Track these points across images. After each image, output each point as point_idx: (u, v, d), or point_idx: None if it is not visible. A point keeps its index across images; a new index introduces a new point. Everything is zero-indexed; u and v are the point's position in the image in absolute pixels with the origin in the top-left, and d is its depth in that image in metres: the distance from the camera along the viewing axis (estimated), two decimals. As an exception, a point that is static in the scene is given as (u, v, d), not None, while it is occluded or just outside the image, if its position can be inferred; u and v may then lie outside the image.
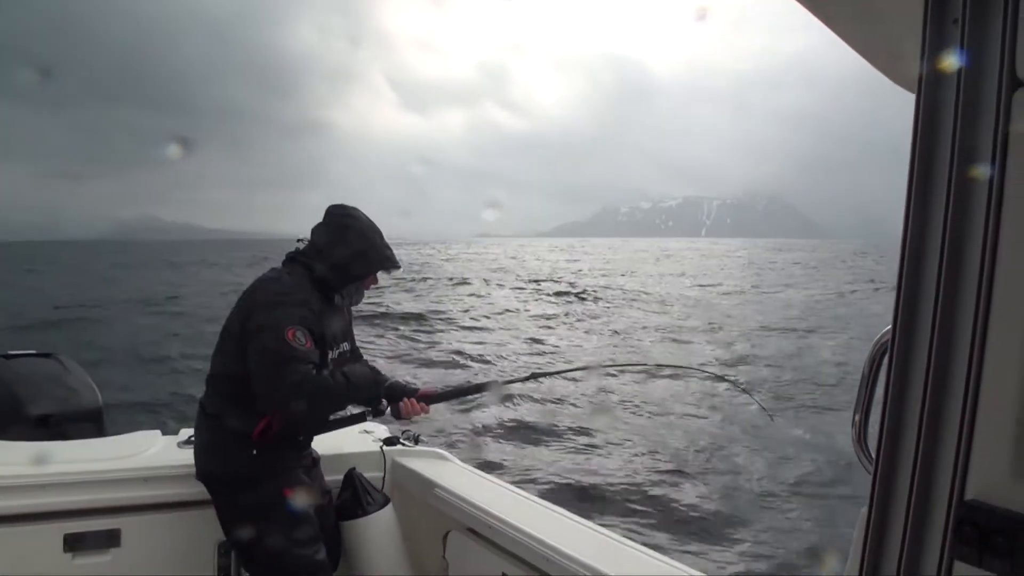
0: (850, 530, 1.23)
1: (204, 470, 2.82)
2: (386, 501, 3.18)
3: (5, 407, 3.38)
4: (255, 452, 2.73)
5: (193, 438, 3.15)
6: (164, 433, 3.36)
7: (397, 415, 2.95)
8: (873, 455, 1.12)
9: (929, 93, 1.03)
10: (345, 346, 2.98)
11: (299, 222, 2.86)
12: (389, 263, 2.89)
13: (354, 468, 3.19)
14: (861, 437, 1.34)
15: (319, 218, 2.93)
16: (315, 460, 3.01)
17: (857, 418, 1.35)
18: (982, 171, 0.98)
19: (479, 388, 3.12)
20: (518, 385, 3.23)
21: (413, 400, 2.92)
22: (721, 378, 3.92)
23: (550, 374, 3.40)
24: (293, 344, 2.57)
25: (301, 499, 2.77)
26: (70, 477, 2.82)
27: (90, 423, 3.53)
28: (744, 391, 3.72)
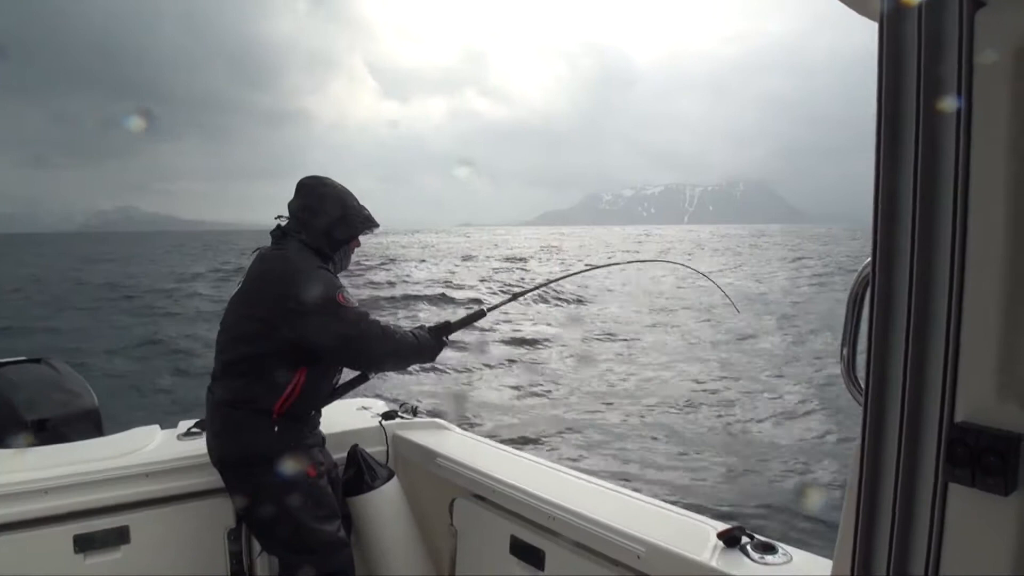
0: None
1: (224, 455, 2.82)
2: (391, 475, 3.21)
3: (2, 416, 3.37)
4: (276, 429, 2.75)
5: (198, 427, 3.21)
6: (162, 427, 3.36)
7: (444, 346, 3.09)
8: (863, 386, 1.13)
9: (892, 20, 1.03)
10: None
11: (278, 212, 2.88)
12: (370, 222, 2.98)
13: (357, 444, 3.22)
14: (850, 369, 1.35)
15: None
16: (323, 439, 3.03)
17: (845, 351, 1.36)
18: (949, 100, 0.97)
19: (474, 316, 3.14)
20: (509, 305, 3.29)
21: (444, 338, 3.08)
22: (683, 265, 3.89)
23: (528, 290, 3.47)
24: (349, 306, 2.73)
25: (318, 475, 2.84)
26: (74, 479, 2.82)
27: (88, 424, 3.52)
28: (707, 277, 3.71)
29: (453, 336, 3.07)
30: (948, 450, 1.01)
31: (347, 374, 3.04)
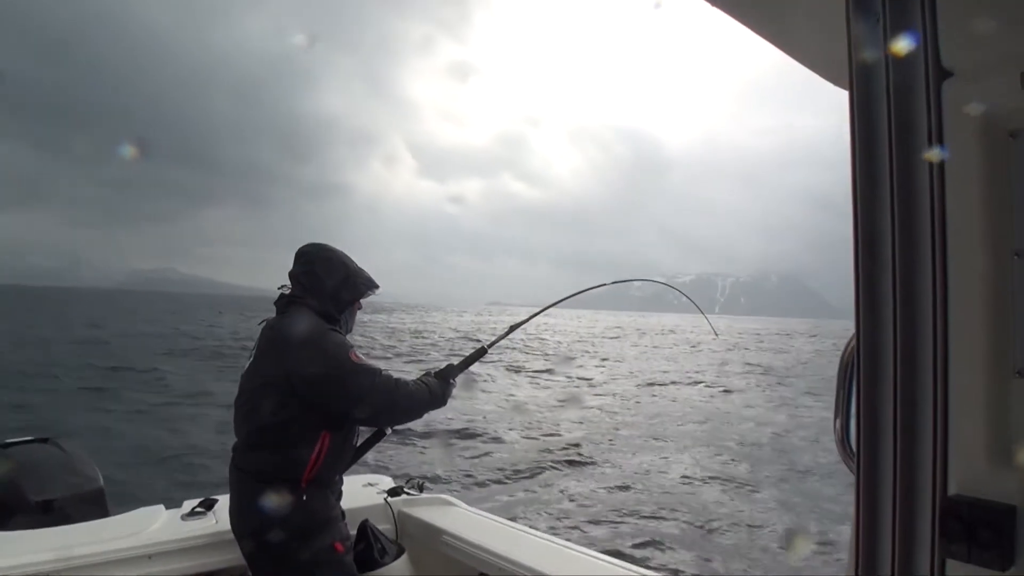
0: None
1: (253, 530, 2.77)
2: (400, 552, 3.14)
3: (7, 497, 3.36)
4: (304, 499, 2.73)
5: (203, 506, 3.22)
6: (167, 507, 3.34)
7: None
8: (855, 456, 1.11)
9: (861, 90, 1.06)
10: None
11: None
12: (371, 284, 3.05)
13: (367, 520, 3.16)
14: (844, 440, 1.33)
15: None
16: (343, 512, 2.99)
17: (838, 423, 1.35)
18: (921, 166, 1.00)
19: (476, 355, 3.17)
20: (505, 340, 3.25)
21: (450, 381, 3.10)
22: (666, 285, 4.07)
23: (524, 321, 3.36)
24: (363, 364, 2.78)
25: (346, 552, 2.84)
26: (78, 561, 2.79)
27: (93, 504, 3.50)
28: (687, 298, 3.78)
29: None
30: (942, 524, 1.00)
31: (364, 432, 3.05)
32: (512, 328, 3.34)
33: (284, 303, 2.94)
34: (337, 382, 2.72)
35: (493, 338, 3.29)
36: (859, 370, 1.08)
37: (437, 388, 2.99)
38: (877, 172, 1.04)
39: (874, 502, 1.07)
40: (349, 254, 3.03)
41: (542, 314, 3.54)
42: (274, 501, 2.71)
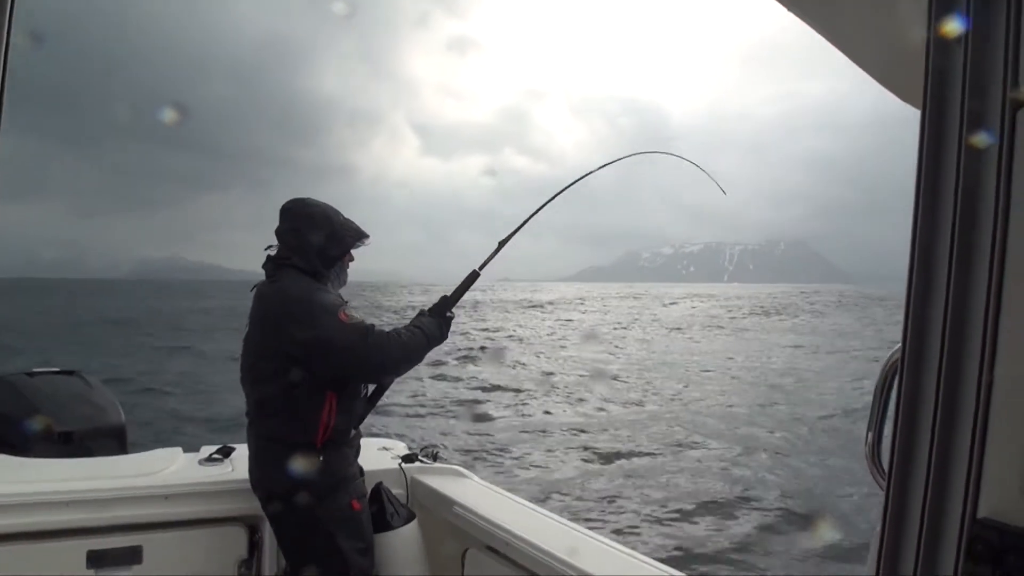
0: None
1: (271, 487, 2.83)
2: (411, 516, 3.18)
3: (30, 424, 3.43)
4: (322, 459, 2.77)
5: (220, 453, 3.29)
6: (185, 451, 3.39)
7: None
8: (886, 472, 1.12)
9: (933, 112, 1.05)
10: None
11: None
12: (360, 235, 2.99)
13: (381, 482, 3.19)
14: (874, 454, 1.34)
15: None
16: (361, 469, 3.04)
17: (870, 435, 1.35)
18: (988, 191, 0.99)
19: (469, 280, 3.13)
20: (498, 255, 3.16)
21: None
22: (673, 155, 4.02)
23: (513, 233, 3.29)
24: (352, 322, 2.74)
25: (363, 509, 2.89)
26: (93, 494, 2.85)
27: (113, 440, 3.57)
28: (696, 166, 3.76)
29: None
30: (969, 546, 0.99)
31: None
32: (501, 244, 3.22)
33: (272, 266, 2.91)
34: (328, 344, 2.71)
35: (483, 261, 3.19)
36: (901, 386, 1.08)
37: (434, 328, 2.96)
38: (941, 196, 1.03)
39: (901, 518, 1.07)
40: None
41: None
42: (292, 464, 2.74)
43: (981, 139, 1.00)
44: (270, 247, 2.94)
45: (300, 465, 2.73)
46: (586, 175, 3.42)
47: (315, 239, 2.87)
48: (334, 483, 2.80)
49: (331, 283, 2.96)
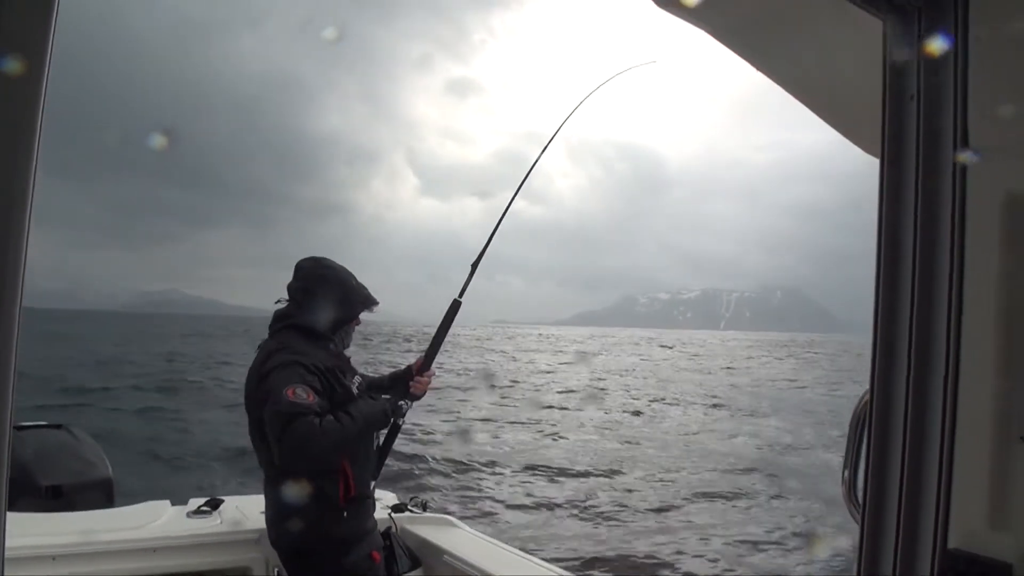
0: None
1: (292, 543, 2.76)
2: (417, 563, 3.13)
3: (17, 478, 3.41)
4: (346, 515, 2.73)
5: (208, 506, 3.26)
6: (172, 503, 3.36)
7: (416, 399, 2.92)
8: (860, 507, 1.15)
9: (892, 161, 1.13)
10: (358, 379, 2.96)
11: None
12: (370, 301, 2.97)
13: (391, 527, 3.14)
14: (851, 491, 1.36)
15: None
16: (375, 521, 2.99)
17: (846, 474, 1.39)
18: (944, 238, 1.05)
19: (448, 318, 3.01)
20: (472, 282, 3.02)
21: (416, 379, 2.93)
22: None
23: (481, 254, 3.09)
24: (294, 401, 2.56)
25: (381, 561, 2.86)
26: (79, 548, 2.82)
27: (100, 493, 3.54)
28: None
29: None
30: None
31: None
32: (474, 266, 3.08)
33: (274, 324, 2.89)
34: (270, 425, 2.60)
35: (460, 291, 3.03)
36: (871, 426, 1.13)
37: (375, 415, 2.78)
38: (901, 242, 1.12)
39: (876, 551, 1.12)
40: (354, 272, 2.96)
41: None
42: (313, 518, 2.67)
43: (936, 188, 1.06)
44: (279, 301, 2.92)
45: (321, 520, 2.69)
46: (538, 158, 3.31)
47: (324, 302, 2.84)
48: (357, 537, 2.78)
49: (334, 344, 2.92)
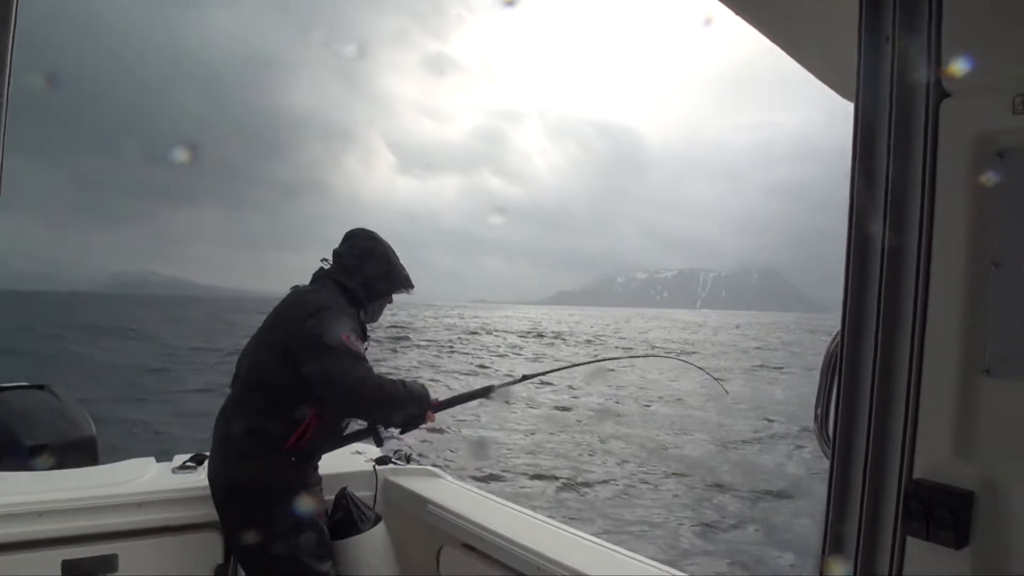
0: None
1: (234, 484, 2.82)
2: (378, 519, 3.18)
3: (1, 439, 3.40)
4: (294, 460, 2.81)
5: (194, 461, 3.27)
6: (158, 460, 3.37)
7: (418, 425, 3.00)
8: (831, 442, 1.21)
9: (866, 104, 1.15)
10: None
11: (295, 282, 2.95)
12: (408, 283, 3.11)
13: (346, 487, 3.20)
14: (822, 427, 1.42)
15: (308, 279, 3.08)
16: (320, 480, 3.05)
17: (818, 411, 1.44)
18: (915, 179, 1.09)
19: (478, 394, 3.15)
20: (517, 387, 3.25)
21: (431, 413, 3.00)
22: (681, 359, 4.26)
23: (538, 374, 3.39)
24: (351, 346, 2.75)
25: (323, 518, 2.91)
26: (66, 504, 2.84)
27: (84, 453, 3.54)
28: (700, 368, 3.90)
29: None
30: (906, 505, 1.09)
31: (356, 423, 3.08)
32: (525, 377, 3.28)
33: (318, 275, 3.03)
34: (318, 351, 2.72)
35: (502, 383, 3.22)
36: (842, 363, 1.18)
37: (417, 395, 2.90)
38: (874, 182, 1.14)
39: (845, 483, 1.17)
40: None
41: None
42: (258, 460, 2.77)
43: (908, 129, 1.10)
44: (324, 260, 3.07)
45: (266, 462, 2.76)
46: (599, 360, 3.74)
47: (369, 272, 3.00)
48: (295, 489, 2.81)
49: (365, 314, 3.04)
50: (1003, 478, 1.03)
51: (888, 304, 1.12)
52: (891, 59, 1.12)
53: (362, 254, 3.02)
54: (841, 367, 1.18)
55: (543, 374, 3.53)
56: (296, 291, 3.00)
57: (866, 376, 1.15)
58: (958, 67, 1.06)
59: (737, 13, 1.32)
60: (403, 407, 2.88)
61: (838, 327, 1.22)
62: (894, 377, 1.12)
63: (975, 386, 1.05)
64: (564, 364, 3.48)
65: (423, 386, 3.00)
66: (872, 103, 1.14)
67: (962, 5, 1.06)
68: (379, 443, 3.12)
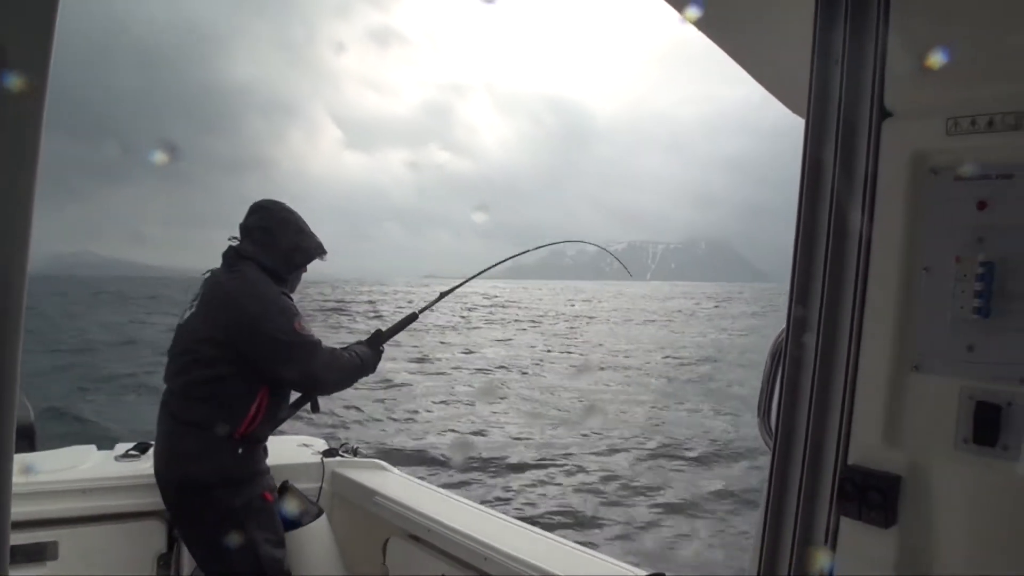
0: None
1: (186, 475, 2.77)
2: (319, 512, 3.16)
3: None
4: (241, 451, 2.77)
5: (137, 450, 3.25)
6: (99, 448, 3.32)
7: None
8: (774, 433, 1.29)
9: (816, 121, 1.24)
10: None
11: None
12: (321, 249, 3.07)
13: (287, 481, 3.17)
14: (765, 419, 1.50)
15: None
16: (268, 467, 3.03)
17: (762, 403, 1.51)
18: (858, 190, 1.18)
19: (407, 320, 3.28)
20: (439, 304, 3.44)
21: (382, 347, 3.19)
22: (596, 246, 4.56)
23: (454, 288, 3.58)
24: (304, 333, 2.80)
25: (275, 502, 2.90)
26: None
27: (22, 439, 3.44)
28: (609, 252, 4.49)
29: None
30: (840, 487, 1.17)
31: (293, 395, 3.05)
32: (442, 295, 3.42)
33: (234, 257, 2.91)
34: (278, 348, 2.75)
35: (424, 304, 3.37)
36: (784, 361, 1.27)
37: (369, 359, 3.07)
38: (820, 193, 1.24)
39: (785, 469, 1.27)
40: None
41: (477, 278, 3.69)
42: (207, 451, 2.74)
43: (853, 147, 1.19)
44: (232, 238, 2.97)
45: (215, 453, 2.74)
46: (518, 255, 3.93)
47: (284, 243, 2.93)
48: (248, 475, 2.81)
49: (287, 286, 2.99)
50: (928, 464, 1.12)
51: (830, 305, 1.22)
52: (840, 80, 1.22)
53: (276, 227, 2.95)
54: (785, 361, 1.26)
55: (460, 285, 3.62)
56: (217, 279, 2.90)
57: (808, 370, 1.24)
58: (899, 90, 1.16)
59: (700, 30, 1.39)
60: (362, 374, 3.05)
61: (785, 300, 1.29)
62: (833, 371, 1.21)
63: (905, 380, 1.15)
64: (475, 273, 3.55)
65: (366, 340, 3.14)
66: (821, 119, 1.24)
67: (906, 33, 1.15)
68: (315, 408, 3.10)
